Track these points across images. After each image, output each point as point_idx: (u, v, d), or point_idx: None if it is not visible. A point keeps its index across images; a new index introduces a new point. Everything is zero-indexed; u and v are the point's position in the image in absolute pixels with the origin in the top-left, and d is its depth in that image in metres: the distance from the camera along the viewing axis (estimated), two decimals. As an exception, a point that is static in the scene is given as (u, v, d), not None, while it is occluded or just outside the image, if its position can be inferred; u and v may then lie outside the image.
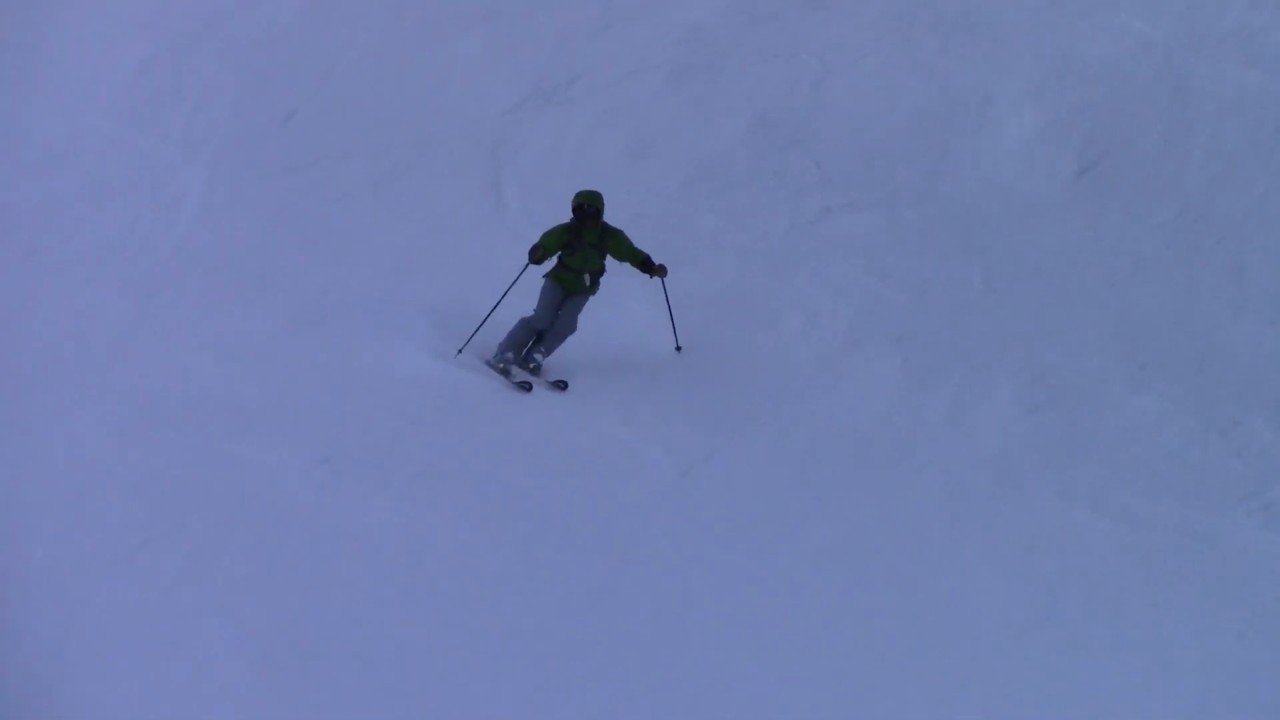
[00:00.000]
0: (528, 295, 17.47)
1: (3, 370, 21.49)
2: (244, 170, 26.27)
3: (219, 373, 23.28)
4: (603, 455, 20.28)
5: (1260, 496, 19.16)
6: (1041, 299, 23.19)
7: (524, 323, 16.38)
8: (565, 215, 17.55)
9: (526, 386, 15.93)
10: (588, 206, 16.16)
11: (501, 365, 16.16)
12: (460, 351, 16.54)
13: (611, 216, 17.75)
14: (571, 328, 16.45)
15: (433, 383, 22.32)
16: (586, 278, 16.61)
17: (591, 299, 16.87)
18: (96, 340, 22.50)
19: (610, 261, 17.08)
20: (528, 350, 16.31)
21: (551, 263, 16.65)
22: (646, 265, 16.67)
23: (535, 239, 16.70)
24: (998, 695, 16.01)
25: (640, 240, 18.52)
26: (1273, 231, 23.48)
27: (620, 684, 14.94)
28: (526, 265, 16.35)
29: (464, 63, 27.91)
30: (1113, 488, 19.56)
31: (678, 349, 17.50)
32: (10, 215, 25.14)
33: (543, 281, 16.54)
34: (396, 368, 21.64)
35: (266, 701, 15.31)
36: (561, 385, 16.21)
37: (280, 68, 28.00)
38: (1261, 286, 22.86)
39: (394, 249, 23.63)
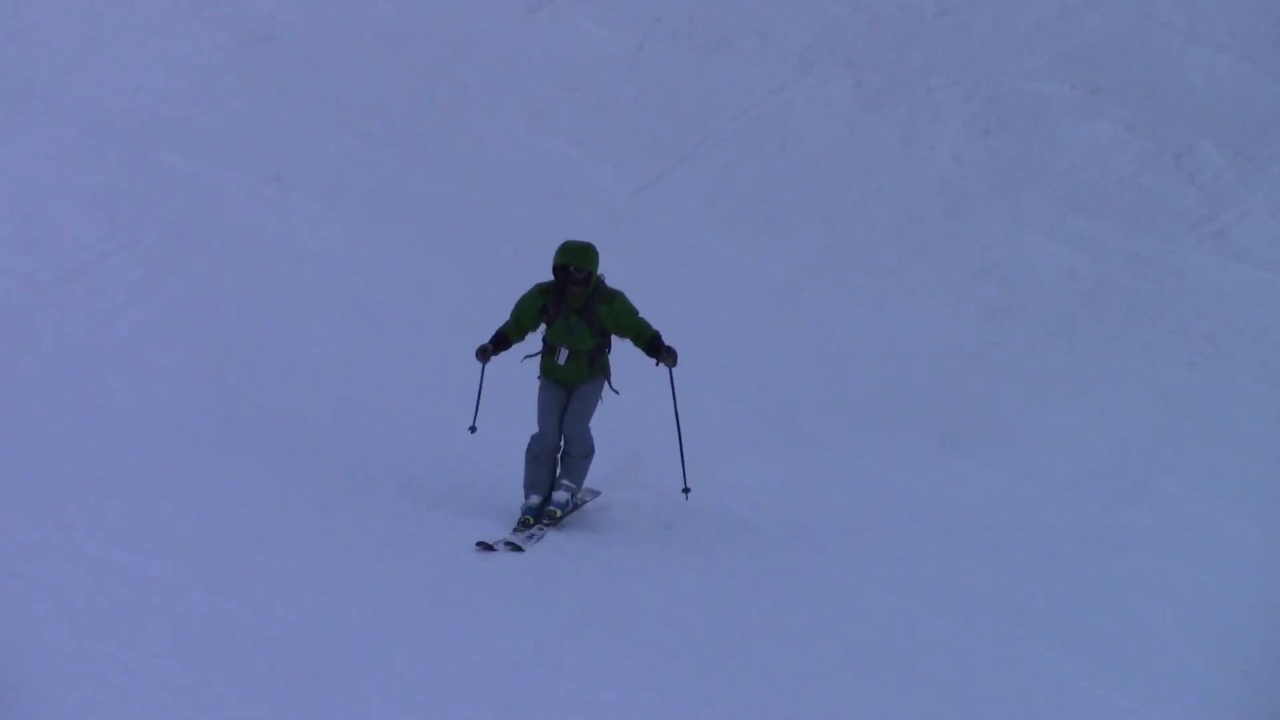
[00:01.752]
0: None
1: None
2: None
3: (169, 90, 22.45)
4: (555, 175, 19.68)
5: (1212, 222, 18.60)
6: (994, 23, 22.41)
7: (530, 453, 11.80)
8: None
9: (515, 546, 11.27)
10: (574, 269, 11.49)
11: (521, 518, 11.64)
12: (473, 428, 11.98)
13: None
14: (588, 446, 11.83)
15: (385, 105, 21.84)
16: (564, 355, 11.74)
17: (607, 386, 11.97)
18: (45, 58, 21.63)
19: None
20: (538, 488, 11.78)
21: (536, 345, 12.07)
22: (653, 346, 11.73)
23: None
24: (941, 418, 16.00)
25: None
26: (1224, -44, 22.89)
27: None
28: (483, 369, 11.86)
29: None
30: (1065, 214, 19.06)
31: (685, 491, 12.20)
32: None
33: (538, 386, 11.95)
34: (349, 91, 21.22)
35: (211, 411, 14.84)
36: (595, 494, 12.19)
37: None
38: (1213, 12, 22.16)
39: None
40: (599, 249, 11.83)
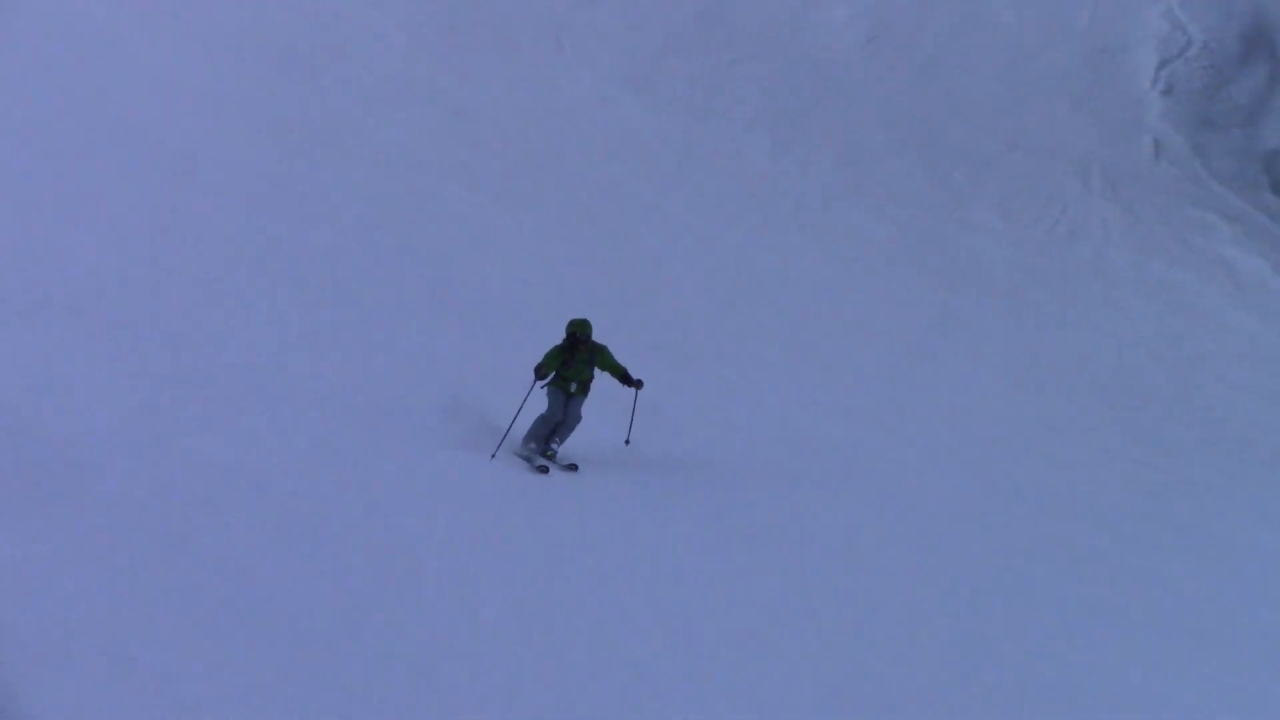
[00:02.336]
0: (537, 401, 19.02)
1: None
2: None
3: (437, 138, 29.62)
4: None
5: None
6: None
7: (541, 419, 18.52)
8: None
9: (544, 469, 18.08)
10: (580, 335, 18.79)
11: (526, 454, 18.22)
12: (494, 456, 18.12)
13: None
14: (578, 419, 18.88)
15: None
16: (574, 385, 18.84)
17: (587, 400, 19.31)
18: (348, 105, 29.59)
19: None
20: (546, 440, 18.56)
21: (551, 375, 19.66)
22: (625, 378, 18.88)
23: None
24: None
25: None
26: None
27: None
28: (534, 384, 18.72)
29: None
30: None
31: (626, 442, 19.05)
32: None
33: (545, 389, 18.87)
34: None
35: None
36: (573, 468, 18.35)
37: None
38: None
39: None
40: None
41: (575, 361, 18.67)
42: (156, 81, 29.46)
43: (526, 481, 16.89)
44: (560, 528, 16.17)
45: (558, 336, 20.05)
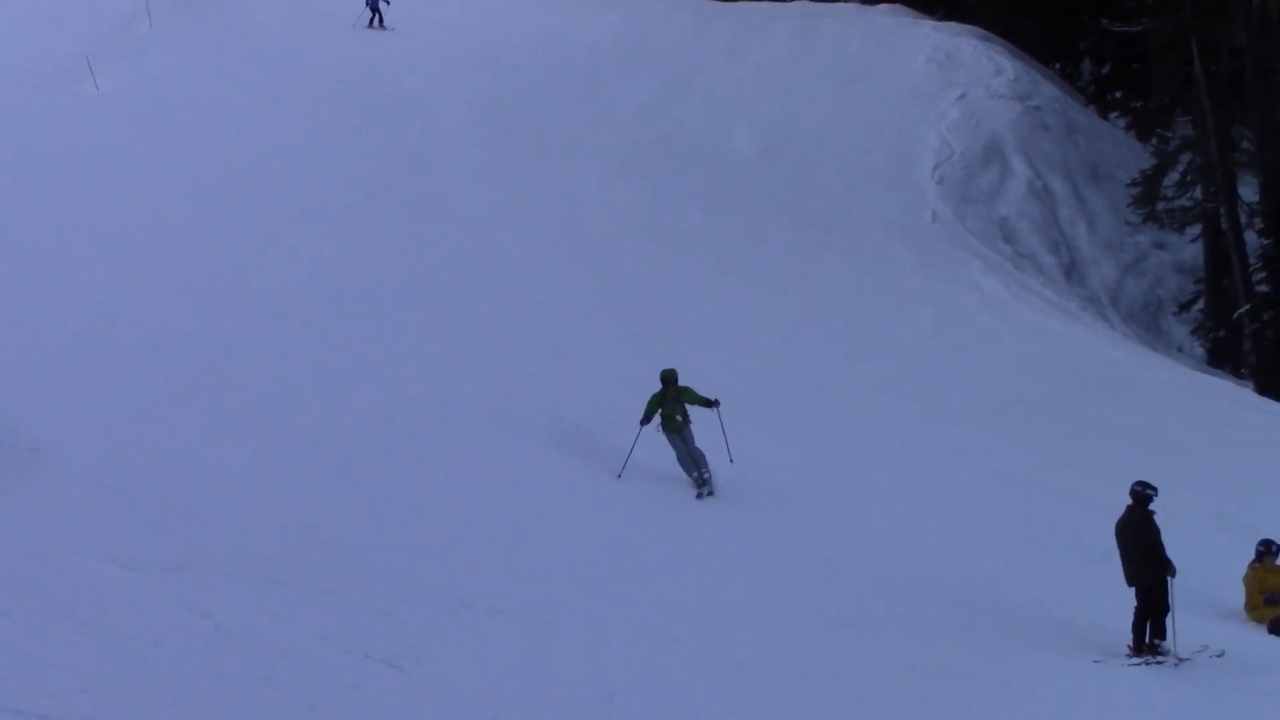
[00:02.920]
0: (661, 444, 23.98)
1: None
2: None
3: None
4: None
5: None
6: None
7: (680, 461, 22.99)
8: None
9: (710, 493, 22.55)
10: (669, 378, 23.09)
11: (694, 479, 22.80)
12: (620, 476, 22.90)
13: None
14: (700, 453, 22.95)
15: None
16: (679, 417, 22.92)
17: (691, 426, 23.26)
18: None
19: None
20: (698, 476, 22.81)
21: (658, 420, 23.20)
22: (706, 403, 22.97)
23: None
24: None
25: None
26: None
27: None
28: (640, 431, 22.92)
29: None
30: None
31: (730, 460, 23.02)
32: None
33: (665, 438, 22.92)
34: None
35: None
36: (710, 492, 22.71)
37: None
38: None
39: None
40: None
41: (669, 400, 22.81)
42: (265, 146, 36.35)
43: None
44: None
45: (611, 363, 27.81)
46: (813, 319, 36.28)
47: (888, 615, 19.49)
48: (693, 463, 22.43)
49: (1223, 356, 46.83)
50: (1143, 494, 20.09)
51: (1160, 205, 49.72)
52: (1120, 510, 20.32)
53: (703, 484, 22.27)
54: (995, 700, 16.69)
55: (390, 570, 17.31)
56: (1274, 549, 22.06)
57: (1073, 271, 46.69)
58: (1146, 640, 19.70)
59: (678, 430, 22.58)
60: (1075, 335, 39.47)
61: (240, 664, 13.38)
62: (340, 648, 14.47)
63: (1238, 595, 22.23)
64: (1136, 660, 19.46)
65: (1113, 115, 58.69)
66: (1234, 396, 37.59)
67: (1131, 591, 19.92)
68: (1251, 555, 22.40)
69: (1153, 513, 19.96)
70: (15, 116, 36.15)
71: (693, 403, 22.70)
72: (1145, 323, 47.18)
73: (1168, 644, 19.53)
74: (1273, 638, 21.21)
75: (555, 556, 19.36)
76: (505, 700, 14.11)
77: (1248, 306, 45.82)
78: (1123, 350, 39.70)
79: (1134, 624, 19.83)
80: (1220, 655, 19.60)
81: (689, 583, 19.34)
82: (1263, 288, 45.99)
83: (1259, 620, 21.59)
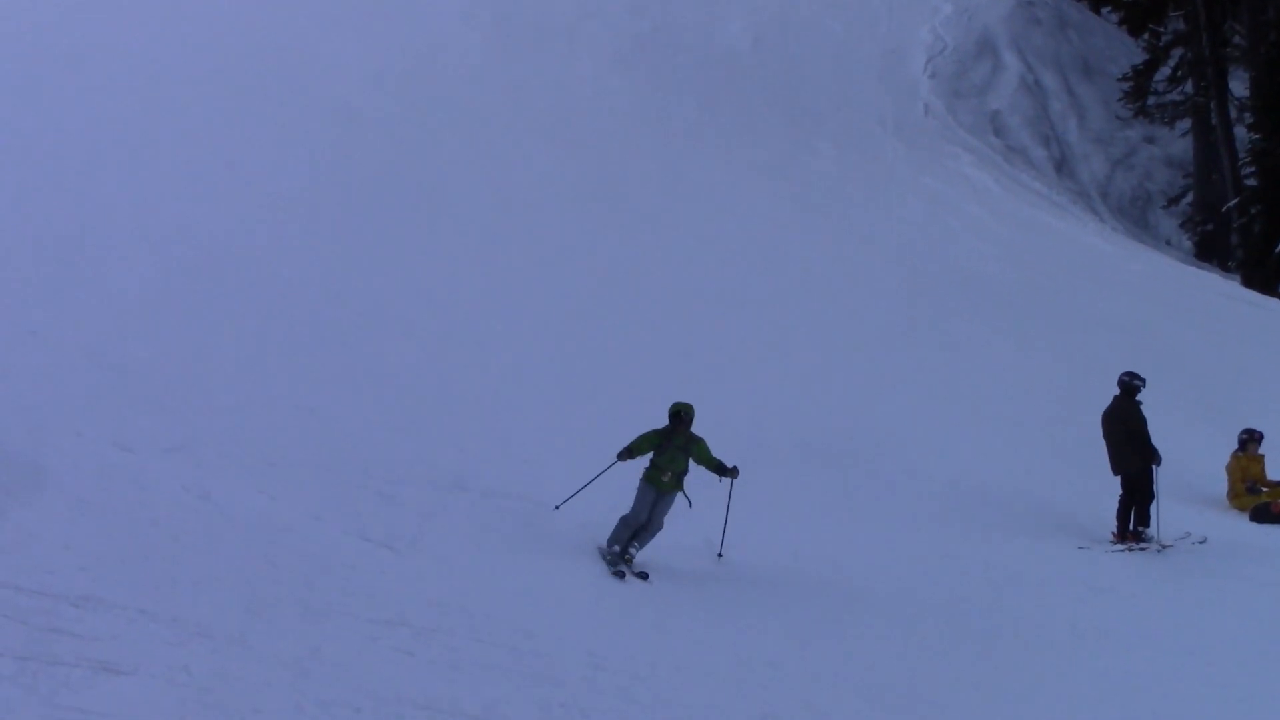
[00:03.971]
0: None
1: None
2: None
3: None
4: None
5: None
6: None
7: (623, 521, 16.10)
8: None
9: (620, 575, 15.62)
10: (685, 414, 16.34)
11: (609, 557, 15.90)
12: (558, 507, 16.84)
13: None
14: (659, 526, 16.25)
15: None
16: (669, 475, 16.28)
17: (678, 498, 16.57)
18: None
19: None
20: (626, 544, 16.04)
21: (644, 460, 16.68)
22: (720, 469, 16.53)
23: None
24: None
25: None
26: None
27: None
28: (613, 463, 16.42)
29: None
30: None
31: (719, 555, 16.71)
32: None
33: (639, 484, 16.36)
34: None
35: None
36: (644, 576, 15.79)
37: None
38: None
39: None
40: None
41: (671, 447, 16.20)
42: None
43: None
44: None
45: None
46: (804, 210, 36.26)
47: (875, 503, 19.55)
48: (634, 532, 16.28)
49: (1210, 250, 46.99)
50: (1130, 384, 20.17)
51: (1151, 100, 49.62)
52: (1107, 401, 20.38)
53: (624, 560, 16.10)
54: (976, 580, 16.77)
55: (387, 452, 17.36)
56: (1257, 438, 22.18)
57: (1063, 165, 46.82)
58: (1131, 527, 19.82)
59: (660, 489, 16.46)
60: (1065, 228, 39.61)
61: (238, 543, 13.43)
62: (337, 528, 14.53)
63: (1221, 484, 22.32)
64: (1120, 547, 19.58)
65: (1105, 10, 58.10)
66: (1221, 289, 37.79)
67: (1116, 480, 20.04)
68: (1235, 444, 22.43)
69: (1139, 403, 20.06)
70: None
71: (702, 463, 16.66)
72: (1134, 216, 47.36)
73: (1151, 531, 19.64)
74: (1254, 525, 21.28)
75: (550, 439, 19.42)
76: (499, 581, 14.15)
77: (1236, 201, 45.93)
78: (1111, 243, 39.91)
79: (1118, 511, 19.95)
80: (1202, 542, 19.71)
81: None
82: (1251, 182, 46.10)
83: (1241, 508, 21.75)
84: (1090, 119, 48.98)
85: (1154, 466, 19.77)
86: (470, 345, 22.65)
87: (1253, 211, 45.12)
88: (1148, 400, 20.34)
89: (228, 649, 10.54)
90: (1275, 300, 39.04)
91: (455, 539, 15.14)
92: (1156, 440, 19.94)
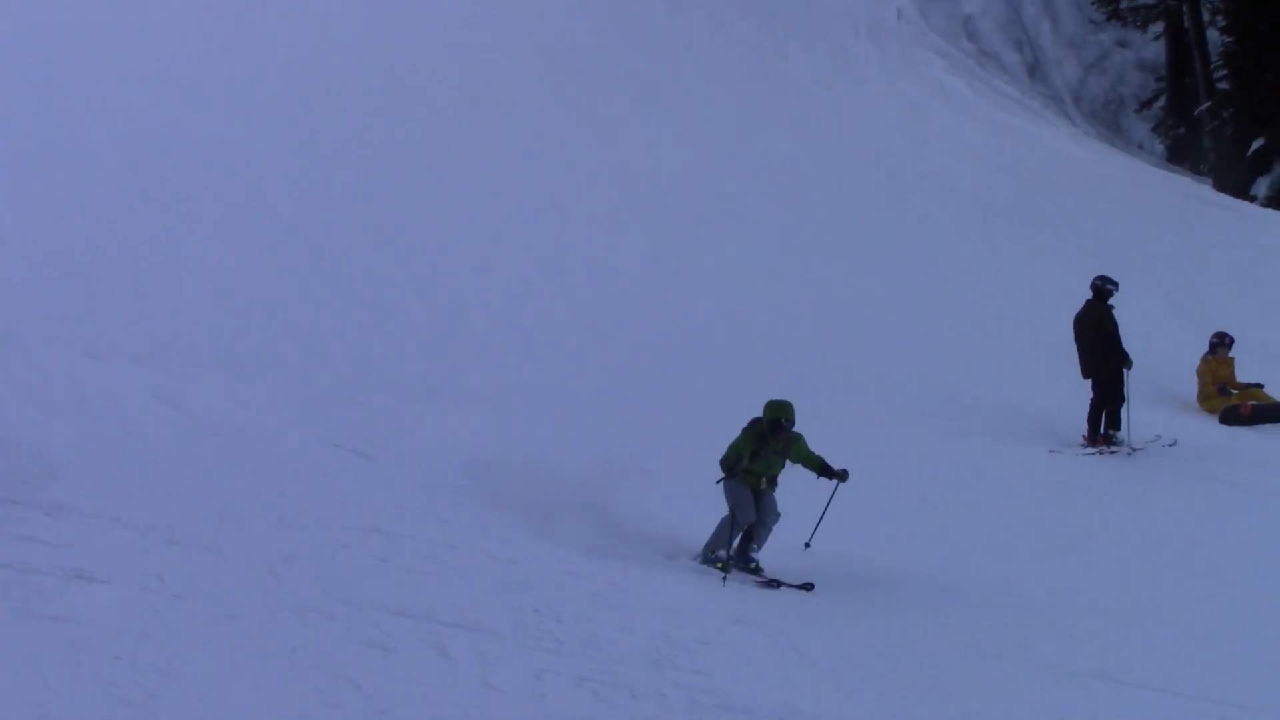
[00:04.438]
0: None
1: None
2: None
3: None
4: None
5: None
6: None
7: (729, 522, 13.77)
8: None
9: (775, 584, 13.41)
10: (786, 420, 13.84)
11: (720, 564, 13.51)
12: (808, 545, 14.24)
13: None
14: (777, 515, 14.00)
15: None
16: (764, 481, 13.93)
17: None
18: None
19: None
20: (737, 550, 13.80)
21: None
22: (825, 470, 13.98)
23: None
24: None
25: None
26: None
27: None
28: (721, 479, 13.95)
29: None
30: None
31: (806, 545, 14.09)
32: None
33: (725, 486, 13.95)
34: None
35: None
36: (808, 587, 13.48)
37: None
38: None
39: None
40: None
41: (768, 453, 13.89)
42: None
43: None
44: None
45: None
46: (775, 114, 36.13)
47: (845, 405, 19.58)
48: (747, 535, 14.06)
49: (1182, 153, 47.03)
50: (1103, 288, 20.21)
51: (1124, 3, 49.17)
52: (1079, 305, 20.41)
53: (751, 570, 13.87)
54: (944, 479, 16.82)
55: (359, 360, 17.38)
56: (1227, 341, 22.27)
57: (1036, 69, 46.61)
58: (1101, 431, 19.88)
59: (758, 487, 14.13)
60: (1037, 132, 39.50)
61: (210, 450, 13.42)
62: (309, 435, 14.51)
63: (1191, 387, 22.39)
64: (1091, 450, 19.66)
65: (1078, -88, 57.69)
66: (1192, 193, 37.86)
67: (1088, 383, 20.10)
68: (1205, 348, 22.50)
69: (1112, 307, 20.10)
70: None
71: (806, 464, 14.19)
72: (1106, 120, 47.34)
73: (1122, 434, 19.71)
74: (1223, 428, 21.38)
75: (520, 345, 19.34)
76: (471, 485, 14.16)
77: (1208, 104, 45.93)
78: (1084, 147, 39.88)
79: (1089, 415, 20.02)
80: (1173, 445, 19.82)
81: (644, 365, 19.49)
82: (1223, 85, 45.84)
83: (1211, 411, 21.86)
84: (1063, 23, 48.66)
85: (1125, 370, 19.80)
86: (442, 253, 22.54)
87: (1224, 115, 45.14)
88: (1119, 304, 20.35)
89: (200, 556, 10.54)
90: (1247, 203, 39.20)
91: (428, 446, 15.11)
92: (1127, 344, 20.01)
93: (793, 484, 13.97)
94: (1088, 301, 20.36)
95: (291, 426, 14.73)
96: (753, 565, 13.77)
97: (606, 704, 8.99)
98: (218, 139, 24.81)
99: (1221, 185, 41.61)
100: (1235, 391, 22.02)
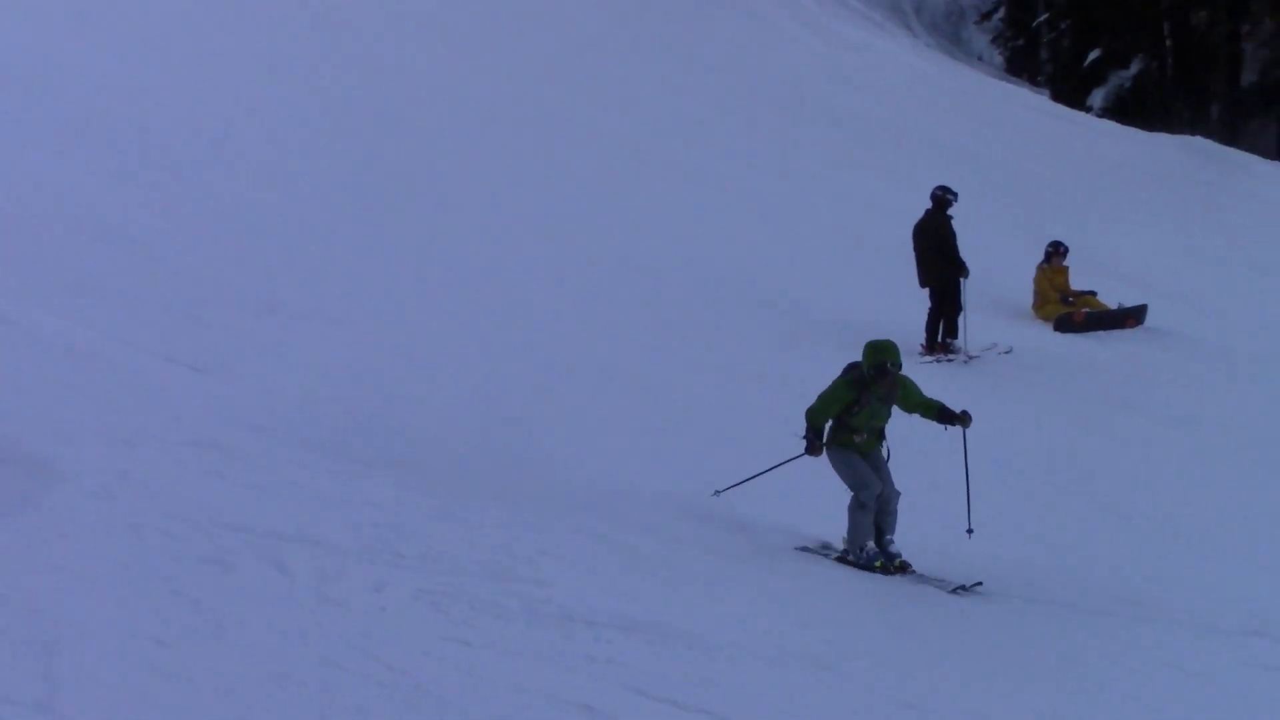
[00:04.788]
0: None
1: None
2: None
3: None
4: None
5: None
6: None
7: (859, 506, 11.95)
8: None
9: (962, 589, 11.48)
10: (891, 365, 11.81)
11: (879, 564, 11.76)
12: (719, 492, 12.84)
13: None
14: (896, 491, 12.09)
15: None
16: (864, 436, 12.00)
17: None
18: None
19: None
20: (880, 540, 11.96)
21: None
22: (945, 414, 11.96)
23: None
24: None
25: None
26: None
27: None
28: (798, 455, 12.24)
29: None
30: None
31: (969, 531, 12.20)
32: None
33: (830, 457, 12.08)
34: None
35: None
36: (905, 567, 11.94)
37: None
38: None
39: None
40: None
41: (871, 401, 11.84)
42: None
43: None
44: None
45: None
46: (620, 29, 36.47)
47: (695, 323, 19.70)
48: (870, 516, 12.06)
49: (1020, 65, 47.66)
50: (943, 198, 20.48)
51: (964, -86, 49.70)
52: (919, 215, 20.64)
53: (896, 568, 11.96)
54: (774, 390, 16.86)
55: (195, 274, 17.16)
56: (1062, 250, 22.67)
57: (878, -19, 46.60)
58: (939, 339, 20.15)
59: (867, 449, 12.20)
60: (879, 44, 39.86)
61: (40, 368, 13.13)
62: (145, 351, 14.27)
63: (1028, 295, 22.75)
64: (929, 359, 19.95)
65: None
66: (1030, 104, 38.37)
67: (925, 292, 20.38)
68: (1041, 257, 22.89)
69: (950, 217, 20.34)
70: None
71: (923, 411, 12.23)
72: (947, 32, 47.79)
73: (959, 342, 20.00)
74: (1058, 335, 21.79)
75: (361, 262, 19.10)
76: (312, 403, 14.06)
77: (1046, 16, 46.49)
78: (925, 59, 40.45)
79: (927, 323, 20.28)
80: (1008, 352, 20.17)
81: (495, 293, 19.41)
82: (1061, -2, 46.43)
83: (1046, 318, 22.27)
84: (904, -67, 48.71)
85: (962, 279, 20.08)
86: (288, 173, 22.42)
87: (1062, 26, 45.83)
88: (958, 214, 20.58)
89: (34, 474, 10.30)
90: (1083, 114, 39.87)
91: (265, 360, 14.94)
92: (965, 254, 20.26)
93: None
94: (927, 211, 20.62)
95: (126, 342, 14.40)
96: (898, 562, 11.90)
97: (445, 615, 8.96)
98: (69, 50, 24.21)
99: (1058, 96, 42.32)
100: (1072, 300, 22.40)
